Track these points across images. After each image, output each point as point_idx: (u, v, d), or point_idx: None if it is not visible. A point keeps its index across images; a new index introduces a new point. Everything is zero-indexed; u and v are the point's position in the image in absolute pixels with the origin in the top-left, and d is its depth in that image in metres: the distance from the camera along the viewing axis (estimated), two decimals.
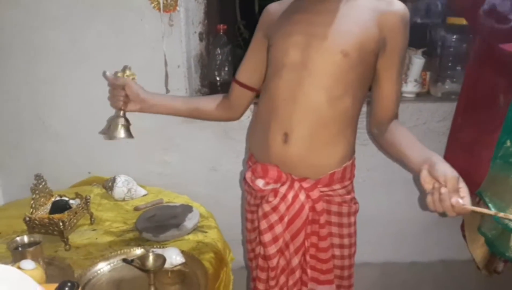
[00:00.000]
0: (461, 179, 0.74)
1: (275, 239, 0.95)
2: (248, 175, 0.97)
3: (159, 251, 0.97)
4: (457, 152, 1.46)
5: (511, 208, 1.16)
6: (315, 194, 0.93)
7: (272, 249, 0.95)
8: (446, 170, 0.73)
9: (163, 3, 1.30)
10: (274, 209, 0.93)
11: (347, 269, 1.01)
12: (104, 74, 1.02)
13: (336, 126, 0.92)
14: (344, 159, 0.95)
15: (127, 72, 1.02)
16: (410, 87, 1.51)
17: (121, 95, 1.01)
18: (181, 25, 1.34)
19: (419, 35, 1.54)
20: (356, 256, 1.05)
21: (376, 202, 1.53)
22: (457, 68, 1.53)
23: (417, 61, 1.48)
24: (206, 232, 1.14)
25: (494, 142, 1.26)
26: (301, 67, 0.90)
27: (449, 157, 1.49)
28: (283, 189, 0.93)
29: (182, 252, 0.99)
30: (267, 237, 0.95)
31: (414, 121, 1.50)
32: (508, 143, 1.19)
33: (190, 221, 1.14)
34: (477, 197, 1.27)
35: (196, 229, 1.15)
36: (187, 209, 1.20)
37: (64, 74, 1.42)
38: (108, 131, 1.02)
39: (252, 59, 1.06)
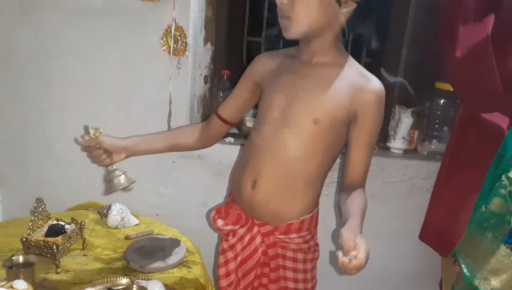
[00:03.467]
0: (358, 236, 0.74)
1: (227, 274, 1.04)
2: (213, 213, 1.06)
3: (143, 283, 1.03)
4: (439, 210, 1.53)
5: (483, 271, 1.21)
6: (270, 240, 1.02)
7: (224, 282, 1.05)
8: (341, 233, 0.75)
9: (173, 47, 1.40)
10: (231, 247, 1.02)
11: None
12: (75, 141, 1.06)
13: (300, 183, 0.99)
14: (303, 212, 1.02)
15: (91, 131, 1.02)
16: (398, 144, 1.60)
17: (100, 154, 1.04)
18: (188, 68, 1.45)
19: (409, 96, 1.64)
20: None
21: None
22: (444, 129, 1.62)
23: (406, 120, 1.57)
24: (190, 268, 1.19)
25: (473, 205, 1.33)
26: (279, 124, 0.98)
27: (431, 214, 1.56)
28: (241, 231, 1.02)
29: (165, 285, 1.05)
30: (221, 271, 1.04)
31: (399, 177, 1.57)
32: (483, 209, 1.25)
33: (176, 256, 1.20)
34: (452, 257, 1.33)
35: (182, 263, 1.21)
36: (175, 243, 1.27)
37: (74, 101, 1.51)
38: (109, 188, 1.05)
39: (237, 99, 1.12)
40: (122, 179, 1.05)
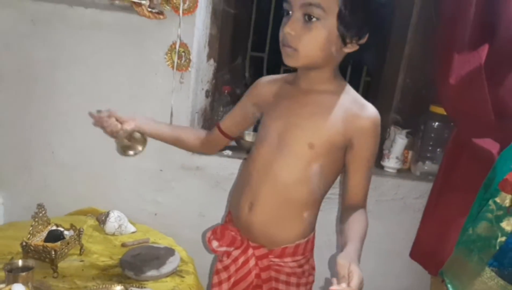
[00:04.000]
0: (353, 264, 0.75)
1: None
2: (208, 234, 1.07)
3: None
4: (430, 230, 1.56)
5: None
6: (264, 263, 1.03)
7: None
8: (337, 260, 0.76)
9: (177, 62, 1.45)
10: (225, 268, 1.04)
11: None
12: (89, 113, 1.13)
13: (296, 207, 1.01)
14: (298, 237, 1.03)
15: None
16: (392, 163, 1.63)
17: (111, 121, 1.08)
18: (190, 83, 1.49)
19: (405, 117, 1.68)
20: None
21: None
22: (437, 150, 1.65)
23: (400, 141, 1.61)
24: (183, 277, 1.23)
25: (461, 226, 1.36)
26: (276, 148, 1.01)
27: (422, 233, 1.59)
28: (235, 253, 1.04)
29: None
30: None
31: (392, 195, 1.61)
32: (471, 231, 1.28)
33: (170, 265, 1.24)
34: (440, 276, 1.36)
35: (175, 273, 1.24)
36: (170, 252, 1.30)
37: (80, 109, 1.54)
38: (123, 149, 1.10)
39: (237, 115, 1.17)
40: (132, 140, 1.10)
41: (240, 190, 1.08)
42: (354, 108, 0.97)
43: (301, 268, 1.06)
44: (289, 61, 0.94)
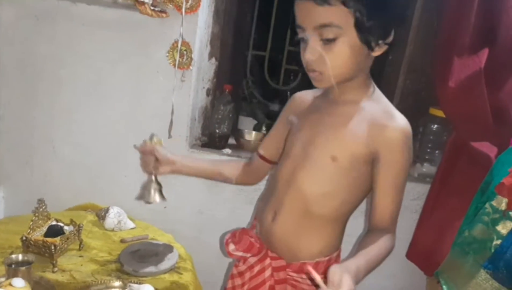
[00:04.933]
0: (346, 274, 0.71)
1: None
2: (227, 236, 1.05)
3: (135, 286, 1.08)
4: (426, 231, 1.57)
5: None
6: (280, 275, 0.99)
7: None
8: (331, 268, 0.72)
9: (179, 61, 1.46)
10: (240, 274, 1.03)
11: None
12: (134, 146, 1.13)
13: (319, 222, 0.96)
14: (318, 254, 0.98)
15: (154, 139, 1.10)
16: None
17: (151, 160, 1.08)
18: (191, 81, 1.50)
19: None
20: None
21: None
22: (436, 152, 1.67)
23: None
24: (181, 274, 1.24)
25: (458, 228, 1.37)
26: (300, 159, 0.96)
27: (418, 234, 1.61)
28: (252, 260, 1.02)
29: None
30: None
31: None
32: (467, 233, 1.29)
33: (168, 261, 1.25)
34: (435, 277, 1.37)
35: (173, 269, 1.25)
36: (168, 248, 1.31)
37: (82, 107, 1.57)
38: (144, 196, 1.12)
39: (275, 136, 1.12)
40: (156, 192, 1.12)
41: (266, 198, 1.05)
42: (382, 118, 0.89)
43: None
44: (319, 85, 0.89)
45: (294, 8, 0.85)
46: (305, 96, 1.07)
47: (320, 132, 0.95)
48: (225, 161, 1.26)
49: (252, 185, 1.22)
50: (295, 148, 0.98)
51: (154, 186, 1.12)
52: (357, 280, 0.76)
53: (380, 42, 0.85)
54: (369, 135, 0.89)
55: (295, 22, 0.86)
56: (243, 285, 1.03)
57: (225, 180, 1.17)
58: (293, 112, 1.06)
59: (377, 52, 0.87)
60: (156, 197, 1.12)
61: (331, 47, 0.83)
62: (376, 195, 0.92)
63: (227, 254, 1.05)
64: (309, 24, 0.82)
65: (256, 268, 1.01)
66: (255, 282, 1.01)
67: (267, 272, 1.00)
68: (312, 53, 0.84)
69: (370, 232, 0.92)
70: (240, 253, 1.02)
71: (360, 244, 0.87)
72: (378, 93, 0.95)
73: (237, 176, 1.16)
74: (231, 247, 1.03)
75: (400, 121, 0.89)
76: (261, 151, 1.14)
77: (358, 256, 0.81)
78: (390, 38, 0.87)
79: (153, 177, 1.11)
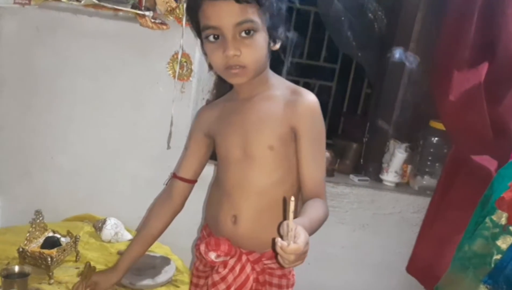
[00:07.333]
0: (299, 226, 0.77)
1: None
2: (202, 247, 1.05)
3: None
4: (427, 245, 1.56)
5: None
6: (259, 266, 1.04)
7: None
8: (282, 223, 0.79)
9: (179, 72, 1.46)
10: (223, 279, 1.04)
11: None
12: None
13: (278, 207, 1.02)
14: None
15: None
16: (391, 177, 1.64)
17: None
18: (191, 93, 1.50)
19: (404, 131, 1.69)
20: None
21: (345, 282, 1.61)
22: (436, 165, 1.66)
23: (399, 155, 1.62)
24: (178, 287, 1.23)
25: (458, 242, 1.36)
26: (243, 160, 1.03)
27: (419, 248, 1.60)
28: (231, 262, 1.04)
29: None
30: None
31: (390, 209, 1.61)
32: (467, 248, 1.28)
33: (165, 274, 1.24)
34: None
35: (170, 282, 1.24)
36: (165, 261, 1.30)
37: (81, 117, 1.56)
38: None
39: (193, 156, 1.16)
40: None
41: (217, 206, 1.07)
42: (292, 98, 1.00)
43: (289, 268, 1.07)
44: (239, 80, 0.97)
45: (203, 11, 0.93)
46: (210, 108, 1.14)
47: (249, 129, 1.01)
48: (148, 224, 1.21)
49: (179, 212, 1.21)
50: (233, 153, 1.03)
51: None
52: None
53: (279, 38, 0.98)
54: (286, 114, 0.99)
55: (202, 24, 0.94)
56: (228, 288, 1.03)
57: (162, 233, 1.20)
58: (202, 128, 1.13)
59: (276, 46, 0.99)
60: None
61: (252, 41, 0.92)
62: (302, 166, 1.00)
63: (210, 263, 1.06)
64: (229, 23, 0.90)
65: (237, 267, 1.03)
66: (240, 280, 1.03)
67: (248, 267, 1.03)
68: (236, 48, 0.91)
69: (306, 203, 0.98)
70: (222, 259, 1.04)
71: (301, 212, 0.93)
72: (278, 78, 1.05)
73: (166, 220, 1.19)
74: (213, 255, 1.03)
75: (307, 95, 1.00)
76: (182, 174, 1.16)
77: (301, 218, 0.87)
78: (283, 34, 0.99)
79: None
